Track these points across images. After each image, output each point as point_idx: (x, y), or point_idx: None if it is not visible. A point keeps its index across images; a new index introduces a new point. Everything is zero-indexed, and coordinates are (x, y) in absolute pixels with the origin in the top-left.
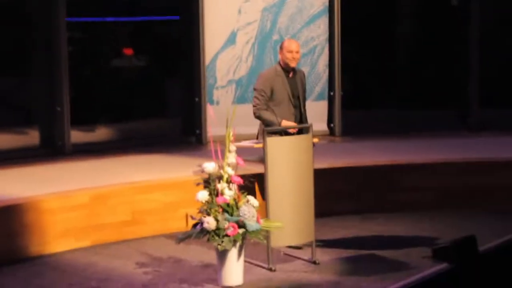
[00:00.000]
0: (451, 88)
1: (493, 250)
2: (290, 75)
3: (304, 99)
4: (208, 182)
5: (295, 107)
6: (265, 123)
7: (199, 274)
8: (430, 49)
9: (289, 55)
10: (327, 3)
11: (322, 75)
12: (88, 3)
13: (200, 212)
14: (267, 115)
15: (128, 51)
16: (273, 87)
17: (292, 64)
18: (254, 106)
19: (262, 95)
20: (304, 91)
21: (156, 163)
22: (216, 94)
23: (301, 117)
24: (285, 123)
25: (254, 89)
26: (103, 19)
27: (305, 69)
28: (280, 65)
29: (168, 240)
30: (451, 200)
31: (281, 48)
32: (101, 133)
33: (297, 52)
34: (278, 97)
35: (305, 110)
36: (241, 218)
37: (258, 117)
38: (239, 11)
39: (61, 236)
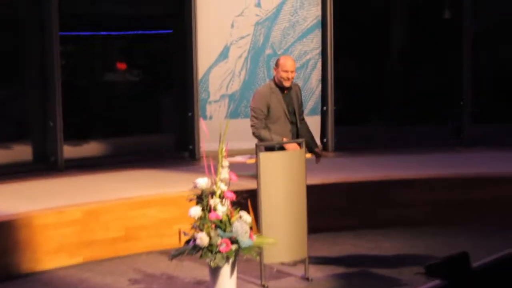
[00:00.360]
0: (444, 103)
1: (486, 266)
2: (285, 91)
3: (302, 113)
4: (201, 198)
5: (291, 123)
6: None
7: None
8: (423, 64)
9: (284, 74)
10: (319, 18)
11: (315, 90)
12: (81, 17)
13: (193, 228)
14: (266, 134)
15: (121, 65)
16: (269, 105)
17: (287, 84)
18: (252, 125)
19: (260, 114)
20: (300, 105)
21: (149, 178)
22: (209, 108)
23: (297, 133)
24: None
25: (251, 108)
26: (96, 33)
27: (298, 83)
28: (274, 82)
29: (161, 257)
30: (443, 216)
31: (276, 65)
32: (94, 148)
33: (292, 71)
34: (275, 114)
35: (305, 121)
36: (234, 235)
37: (257, 136)
38: (232, 25)
39: (53, 253)
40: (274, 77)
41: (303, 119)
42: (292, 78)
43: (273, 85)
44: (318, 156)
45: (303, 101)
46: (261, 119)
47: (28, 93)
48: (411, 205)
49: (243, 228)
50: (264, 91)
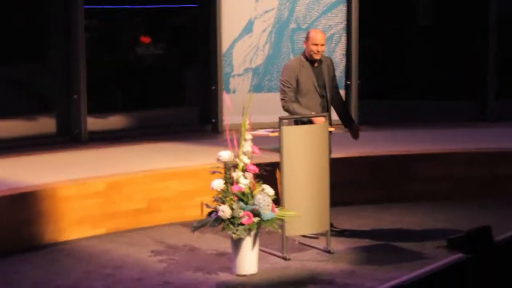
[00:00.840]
0: (469, 79)
1: (509, 240)
2: (316, 64)
3: (336, 86)
4: (228, 169)
5: (321, 96)
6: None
7: (214, 262)
8: (448, 40)
9: (314, 48)
10: None
11: (339, 64)
12: None
13: (215, 200)
14: (296, 107)
15: (145, 39)
16: (298, 78)
17: (316, 57)
18: (282, 99)
19: (289, 87)
20: (333, 78)
21: (172, 151)
22: (233, 82)
23: (328, 106)
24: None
25: (280, 82)
26: (121, 6)
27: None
28: (305, 55)
29: (183, 228)
30: (466, 191)
31: (306, 38)
32: (117, 121)
33: (322, 45)
34: (304, 87)
35: (340, 95)
36: (256, 207)
37: (286, 110)
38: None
39: (76, 224)
40: (304, 51)
41: (337, 92)
42: (322, 51)
43: (303, 59)
44: (354, 131)
45: (335, 75)
46: (290, 92)
47: (53, 66)
48: (434, 180)
49: (265, 201)
50: (293, 64)
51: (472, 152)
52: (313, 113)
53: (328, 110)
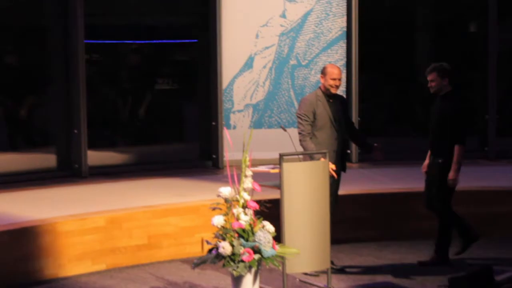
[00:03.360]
0: (469, 117)
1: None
2: (331, 99)
3: (350, 119)
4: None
5: (337, 131)
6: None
7: None
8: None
9: (332, 82)
10: (344, 29)
11: None
12: (107, 26)
13: (215, 237)
14: (311, 146)
15: (146, 74)
16: (315, 111)
17: (334, 91)
18: (299, 133)
19: (306, 120)
20: (347, 113)
21: (173, 187)
22: (233, 118)
23: (343, 142)
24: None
25: (297, 115)
26: (122, 41)
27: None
28: (321, 89)
29: (184, 265)
30: None
31: (323, 73)
32: (118, 156)
33: (339, 79)
34: (320, 121)
35: (354, 126)
36: (257, 244)
37: (303, 147)
38: (257, 36)
39: (76, 259)
40: (320, 86)
41: (352, 123)
42: (339, 85)
43: (319, 93)
44: (378, 153)
45: (348, 110)
46: (308, 125)
47: (53, 101)
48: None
49: (266, 238)
50: (310, 98)
51: (471, 190)
52: (325, 150)
53: (342, 145)
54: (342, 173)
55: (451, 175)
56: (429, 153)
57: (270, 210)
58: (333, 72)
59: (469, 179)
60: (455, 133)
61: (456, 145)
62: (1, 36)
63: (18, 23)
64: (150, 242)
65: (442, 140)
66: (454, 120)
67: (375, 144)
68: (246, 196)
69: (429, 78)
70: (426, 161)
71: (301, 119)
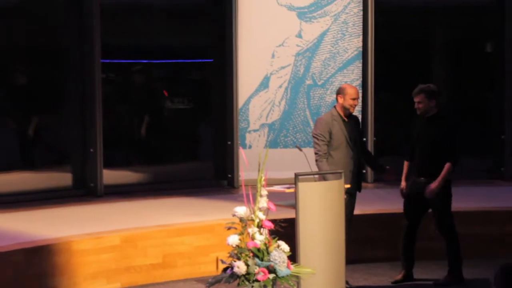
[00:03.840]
0: (485, 137)
1: None
2: (346, 119)
3: (363, 144)
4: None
5: (353, 151)
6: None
7: None
8: (464, 97)
9: (351, 102)
10: (360, 49)
11: None
12: (123, 45)
13: (230, 256)
14: (326, 168)
15: (161, 94)
16: (331, 131)
17: (352, 111)
18: (315, 153)
19: (323, 140)
20: (361, 134)
21: (188, 206)
22: (249, 137)
23: (359, 161)
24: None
25: (313, 135)
26: (138, 61)
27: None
28: (336, 109)
29: (198, 284)
30: (479, 249)
31: (342, 93)
32: (133, 175)
33: (358, 99)
34: (336, 141)
35: (367, 148)
36: (272, 263)
37: (319, 167)
38: (273, 55)
39: (91, 278)
40: (335, 106)
41: (365, 145)
42: (357, 105)
43: (334, 113)
44: (388, 174)
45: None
46: (324, 145)
47: (69, 120)
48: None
49: (281, 257)
50: (326, 118)
51: (486, 211)
52: (340, 170)
53: (359, 164)
54: (358, 193)
55: (434, 185)
56: (405, 172)
57: (285, 230)
58: (353, 92)
59: (484, 199)
60: (449, 153)
61: (448, 162)
62: (18, 56)
63: (36, 43)
64: (165, 261)
65: (437, 162)
66: (447, 140)
67: (387, 167)
68: (261, 215)
69: (416, 99)
70: (404, 183)
71: (317, 139)
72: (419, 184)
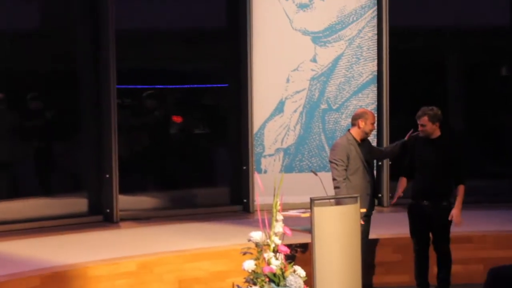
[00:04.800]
0: (504, 159)
1: None
2: (361, 142)
3: (379, 151)
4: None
5: (369, 174)
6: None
7: None
8: (479, 120)
9: (372, 127)
10: (375, 73)
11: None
12: (138, 71)
13: (246, 281)
14: (345, 193)
15: (177, 119)
16: (349, 156)
17: (370, 135)
18: (334, 179)
19: (342, 165)
20: (372, 159)
21: (203, 231)
22: (264, 162)
23: (374, 184)
24: None
25: (330, 161)
26: (153, 86)
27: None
28: (352, 134)
29: None
30: None
31: (364, 118)
32: (148, 201)
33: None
34: (354, 165)
35: (382, 148)
36: None
37: (337, 192)
38: (288, 80)
39: None
40: (350, 130)
41: (378, 147)
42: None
43: (350, 137)
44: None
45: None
46: (343, 170)
47: (84, 145)
48: (467, 262)
49: (297, 282)
50: (342, 143)
51: (502, 235)
52: (357, 194)
53: (374, 187)
54: (374, 217)
55: (456, 213)
56: (404, 186)
57: (301, 255)
58: (373, 116)
59: (503, 221)
60: (458, 176)
61: (461, 185)
62: (34, 82)
63: (51, 68)
64: (181, 286)
65: (440, 184)
66: (453, 162)
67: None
68: (277, 240)
69: (419, 122)
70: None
71: (336, 164)
72: (441, 208)
